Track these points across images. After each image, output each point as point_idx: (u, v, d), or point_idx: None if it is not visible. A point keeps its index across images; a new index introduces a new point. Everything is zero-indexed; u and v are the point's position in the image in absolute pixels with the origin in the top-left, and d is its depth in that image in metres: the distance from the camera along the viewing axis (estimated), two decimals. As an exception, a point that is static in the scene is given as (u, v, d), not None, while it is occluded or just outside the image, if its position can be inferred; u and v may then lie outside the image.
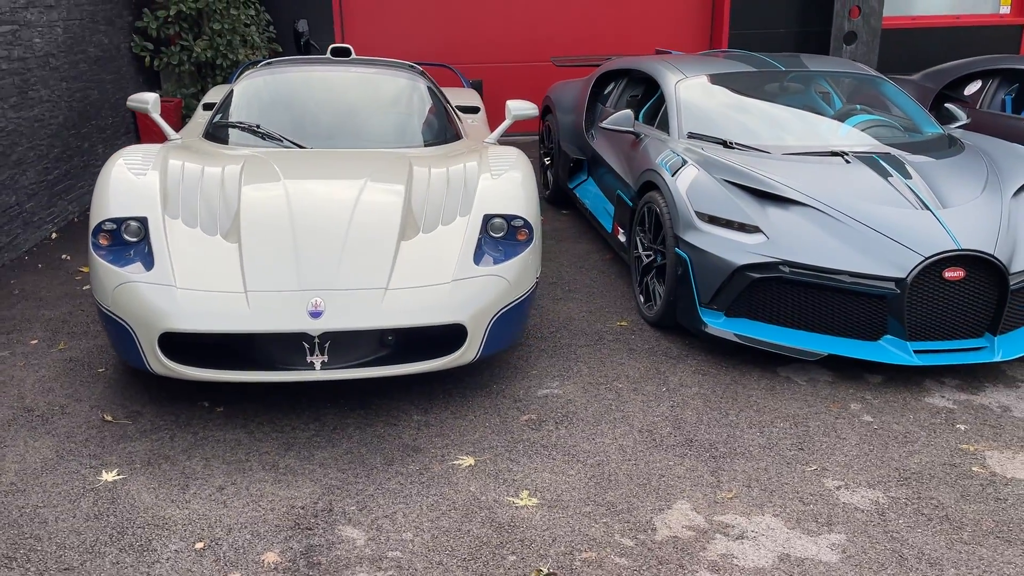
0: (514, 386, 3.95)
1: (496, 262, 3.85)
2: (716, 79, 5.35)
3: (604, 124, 5.33)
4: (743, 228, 4.09)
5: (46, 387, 3.90)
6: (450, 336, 3.66)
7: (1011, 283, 3.89)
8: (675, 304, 4.36)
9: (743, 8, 10.20)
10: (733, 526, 2.91)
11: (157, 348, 3.48)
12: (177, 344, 3.55)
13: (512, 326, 3.87)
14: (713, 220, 4.16)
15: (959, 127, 5.41)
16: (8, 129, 5.82)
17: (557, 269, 5.60)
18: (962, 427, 3.59)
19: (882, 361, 3.89)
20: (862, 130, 5.09)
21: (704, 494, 3.10)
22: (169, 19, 8.35)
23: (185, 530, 2.86)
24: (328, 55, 6.17)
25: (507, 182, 4.27)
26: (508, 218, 4.05)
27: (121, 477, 3.18)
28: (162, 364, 3.49)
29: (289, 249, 3.71)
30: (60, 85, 6.68)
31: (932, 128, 5.22)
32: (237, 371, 3.49)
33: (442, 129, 5.21)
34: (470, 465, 3.28)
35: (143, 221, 3.82)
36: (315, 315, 3.45)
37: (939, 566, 2.70)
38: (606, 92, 6.52)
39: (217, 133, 4.98)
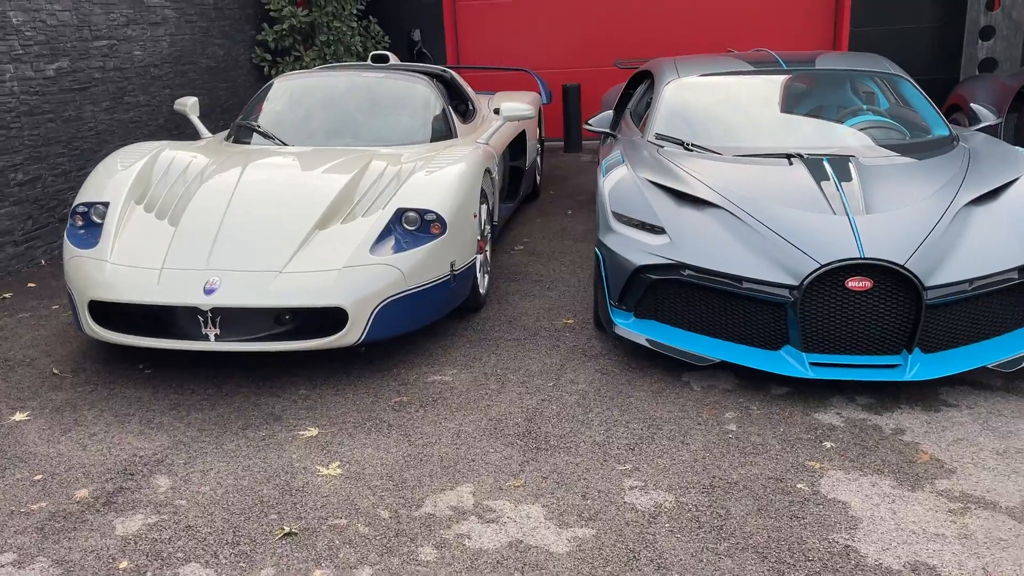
0: (411, 371, 4.16)
1: (394, 252, 4.08)
2: (708, 80, 5.24)
3: (585, 125, 5.38)
4: (650, 229, 4.04)
5: (34, 343, 4.61)
6: (336, 319, 3.93)
7: (926, 297, 3.57)
8: (598, 304, 4.38)
9: (866, 4, 9.60)
10: (494, 511, 2.97)
11: (87, 314, 4.04)
12: (110, 312, 4.08)
13: (405, 314, 4.08)
14: (625, 220, 4.15)
15: (981, 128, 4.94)
16: (98, 129, 6.77)
17: (553, 268, 5.70)
18: (828, 444, 3.37)
19: (776, 372, 3.71)
20: (860, 130, 4.81)
21: (495, 480, 3.17)
22: (284, 32, 9.21)
23: (38, 464, 3.36)
24: (369, 61, 6.63)
25: (436, 178, 4.48)
26: (421, 212, 4.26)
27: (27, 418, 3.75)
28: (91, 328, 4.05)
29: (212, 233, 4.16)
30: (163, 92, 7.63)
31: (940, 129, 4.82)
32: (146, 337, 3.97)
33: (432, 130, 5.47)
34: (311, 436, 3.55)
35: (107, 205, 4.41)
36: (209, 292, 3.86)
37: (666, 569, 2.64)
38: (633, 93, 6.50)
39: (235, 133, 5.57)
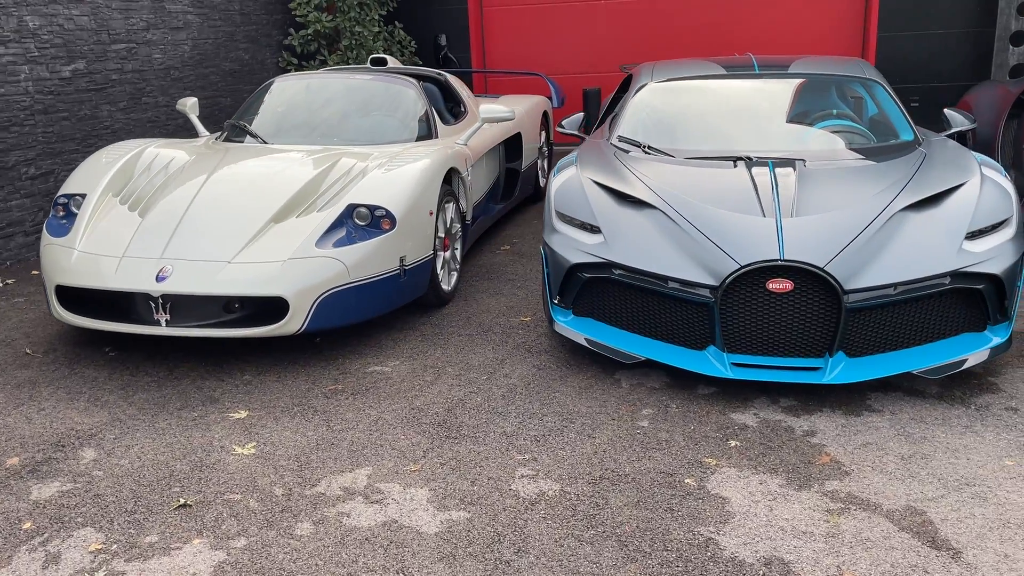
0: (355, 361, 4.30)
1: (339, 246, 4.24)
2: (679, 84, 5.26)
3: (558, 127, 5.46)
4: (588, 228, 4.11)
5: (19, 325, 4.91)
6: (280, 308, 4.11)
7: (847, 301, 3.56)
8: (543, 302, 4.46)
9: (894, 9, 9.42)
10: (382, 493, 3.09)
11: (55, 298, 4.31)
12: (76, 296, 4.33)
13: (348, 306, 4.23)
14: (567, 220, 4.22)
15: (952, 133, 4.87)
16: (115, 127, 7.12)
17: (532, 269, 5.80)
18: (733, 443, 3.39)
19: (699, 372, 3.74)
20: (824, 134, 4.79)
21: (395, 464, 3.29)
22: (310, 37, 9.51)
23: (-16, 435, 3.61)
24: (368, 64, 6.84)
25: (391, 176, 4.63)
26: (372, 208, 4.42)
27: (-12, 394, 4.03)
28: (57, 312, 4.31)
29: (174, 224, 4.38)
30: (183, 93, 7.97)
31: (906, 134, 4.76)
32: (104, 320, 4.21)
33: (411, 130, 5.62)
34: (239, 418, 3.72)
35: (84, 196, 4.69)
36: (161, 279, 4.08)
37: (525, 552, 2.71)
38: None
39: (227, 131, 5.82)
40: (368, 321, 4.71)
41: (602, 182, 4.28)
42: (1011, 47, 9.04)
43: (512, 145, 7.00)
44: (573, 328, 4.09)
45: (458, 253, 5.36)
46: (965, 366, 3.69)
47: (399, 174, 4.64)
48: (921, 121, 6.16)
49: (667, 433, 3.48)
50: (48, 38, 6.36)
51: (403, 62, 10.18)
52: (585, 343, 4.00)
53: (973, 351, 3.73)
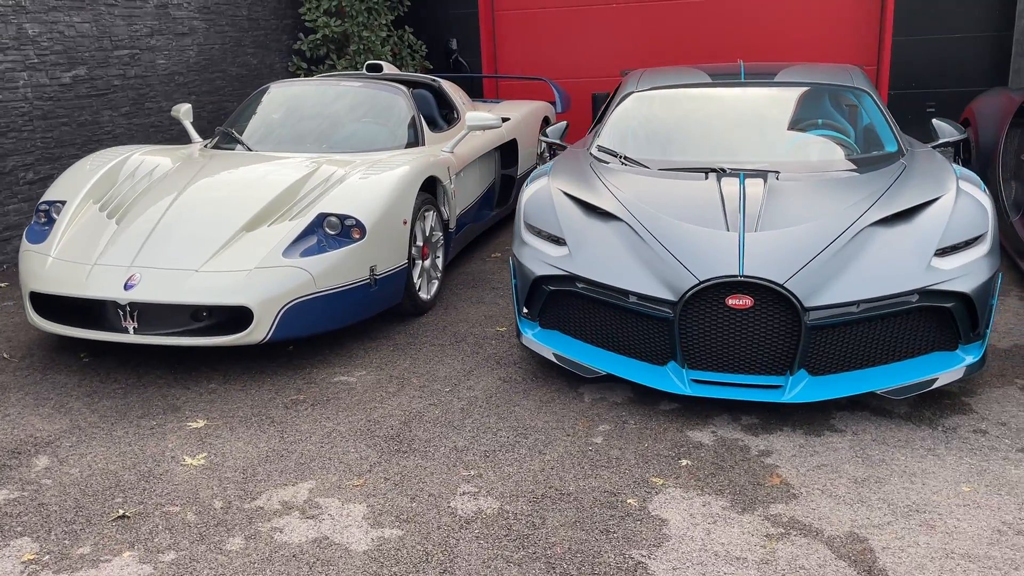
0: (322, 371, 4.30)
1: (306, 255, 4.24)
2: (664, 92, 5.19)
3: (541, 136, 5.42)
4: (554, 240, 4.07)
5: (3, 330, 4.98)
6: (245, 317, 4.12)
7: (807, 319, 3.48)
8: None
9: (909, 13, 9.23)
10: (319, 507, 3.07)
11: (29, 304, 4.36)
12: (51, 303, 4.38)
13: (315, 315, 4.23)
14: (535, 231, 4.18)
15: (939, 145, 4.75)
16: (116, 133, 7.21)
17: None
18: (685, 462, 3.33)
19: (658, 388, 3.68)
20: (805, 145, 4.70)
21: (339, 479, 3.27)
22: (318, 42, 9.56)
23: (-55, 441, 3.66)
24: (365, 70, 6.85)
25: (363, 185, 4.63)
26: (342, 217, 4.41)
27: (-42, 399, 4.09)
28: (32, 318, 4.37)
29: (147, 232, 4.41)
30: (188, 99, 8.05)
31: (890, 145, 4.65)
32: (75, 327, 4.25)
33: (397, 137, 5.61)
34: (196, 427, 3.74)
35: (63, 203, 4.74)
36: (129, 287, 4.11)
37: (451, 573, 2.69)
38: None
39: (217, 138, 5.86)
40: (341, 329, 4.71)
41: (572, 193, 4.24)
42: (1029, 52, 8.80)
43: (510, 151, 6.96)
44: (539, 341, 4.05)
45: (439, 262, 5.34)
46: (936, 385, 3.59)
47: (372, 183, 4.64)
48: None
49: (619, 451, 3.43)
50: (48, 45, 6.45)
51: (413, 66, 10.20)
52: (553, 359, 3.95)
53: (944, 370, 3.63)
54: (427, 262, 5.14)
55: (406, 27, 10.31)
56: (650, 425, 3.63)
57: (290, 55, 9.72)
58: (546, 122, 7.94)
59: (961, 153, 6.65)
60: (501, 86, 10.77)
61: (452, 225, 5.52)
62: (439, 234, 5.30)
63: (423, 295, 5.07)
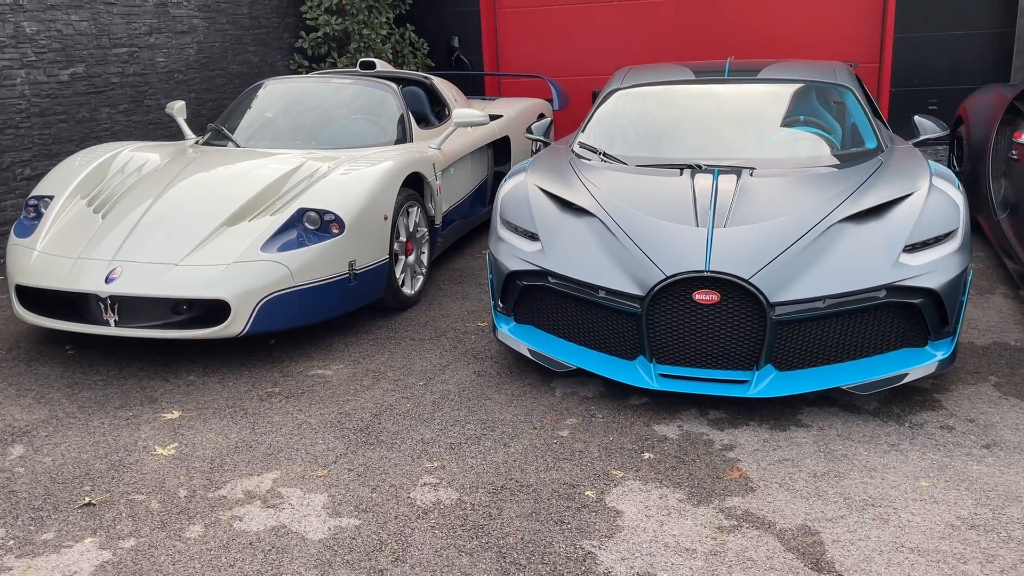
0: (300, 364, 4.35)
1: (284, 250, 4.29)
2: (648, 90, 5.20)
3: (526, 133, 5.45)
4: (528, 235, 4.10)
5: (-7, 324, 5.08)
6: (223, 311, 4.17)
7: (772, 314, 3.49)
8: (493, 309, 4.46)
9: (911, 9, 9.18)
10: (281, 497, 3.12)
11: (15, 297, 4.44)
12: (36, 296, 4.45)
13: (293, 309, 4.28)
14: (511, 227, 4.21)
15: (920, 142, 4.75)
16: (115, 130, 7.30)
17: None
18: (648, 455, 3.35)
19: (627, 383, 3.70)
20: (785, 142, 4.70)
21: (304, 469, 3.32)
22: (320, 40, 9.63)
23: (-75, 429, 3.74)
24: (358, 68, 6.91)
25: (344, 180, 4.68)
26: (321, 212, 4.46)
27: (-58, 389, 4.17)
28: (17, 311, 4.45)
29: (131, 226, 4.48)
30: (187, 96, 8.14)
31: (870, 141, 4.65)
32: (59, 320, 4.32)
33: (384, 134, 5.65)
34: (171, 418, 3.79)
35: (51, 198, 4.82)
36: (110, 281, 4.17)
37: (402, 562, 2.71)
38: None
39: (211, 134, 5.93)
40: (323, 323, 4.77)
41: (548, 189, 4.27)
42: (1031, 49, 8.73)
43: (504, 148, 7.00)
44: (514, 335, 4.08)
45: (424, 257, 5.38)
46: (905, 381, 3.59)
47: (352, 179, 4.68)
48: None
49: (584, 444, 3.45)
50: (46, 43, 6.55)
51: (415, 64, 10.25)
52: (528, 354, 3.98)
53: (913, 366, 3.62)
54: (411, 258, 5.18)
55: (407, 25, 10.36)
56: (617, 419, 3.65)
57: (292, 53, 9.79)
58: (541, 119, 7.95)
59: (955, 151, 6.62)
60: (504, 84, 10.80)
61: (438, 221, 5.56)
62: (424, 230, 5.33)
63: (407, 290, 5.11)
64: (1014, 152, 5.06)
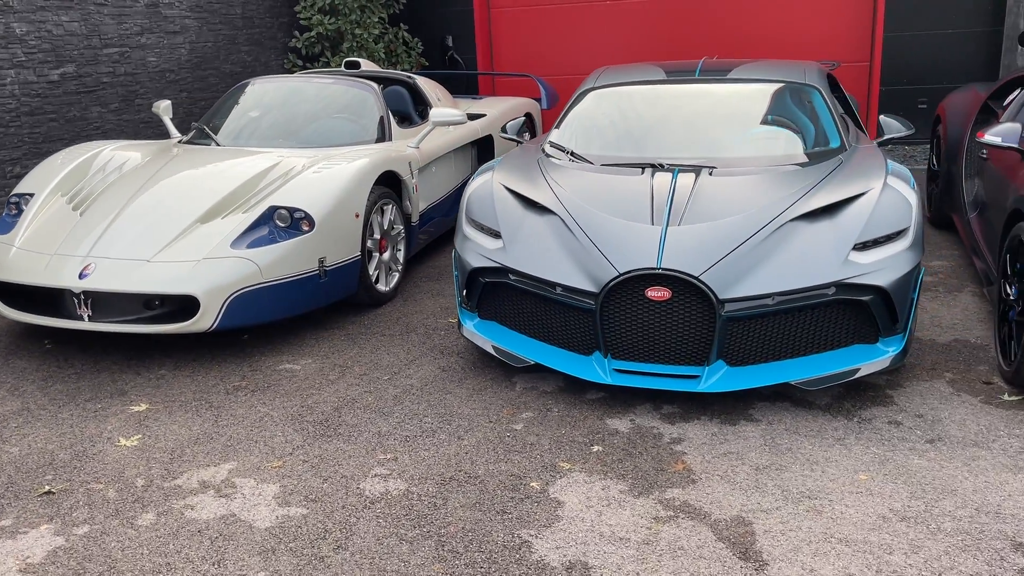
0: (270, 358, 4.44)
1: (254, 247, 4.38)
2: (619, 89, 5.26)
3: (501, 133, 5.52)
4: (492, 233, 4.17)
5: (-23, 319, 5.19)
6: (194, 306, 4.27)
7: (722, 311, 3.56)
8: (459, 305, 4.53)
9: (900, 9, 9.21)
10: (234, 487, 3.21)
11: (-7, 293, 4.55)
12: (14, 291, 4.56)
13: (262, 305, 4.37)
14: (475, 224, 4.29)
15: (885, 140, 4.80)
16: (105, 128, 7.42)
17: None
18: (597, 448, 3.42)
19: (582, 377, 3.77)
20: (753, 140, 4.76)
21: (260, 460, 3.40)
22: (313, 40, 9.73)
23: (-100, 420, 3.85)
24: (343, 67, 7.00)
25: (316, 178, 4.76)
26: (291, 210, 4.55)
27: (-80, 382, 4.28)
28: (-4, 306, 4.56)
29: (107, 223, 4.58)
30: (179, 95, 8.25)
31: (834, 141, 4.70)
32: (34, 314, 4.43)
33: (364, 133, 5.73)
34: (138, 411, 3.89)
35: (32, 196, 4.93)
36: (83, 276, 4.27)
37: (343, 549, 2.80)
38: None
39: (195, 133, 6.03)
40: (297, 319, 4.86)
41: (513, 187, 4.34)
42: (1020, 47, 8.75)
43: (484, 148, 7.07)
44: (478, 332, 4.16)
45: (400, 255, 5.46)
46: (858, 376, 3.65)
47: (324, 177, 4.77)
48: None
49: (536, 436, 3.53)
50: (35, 43, 6.66)
51: (409, 63, 10.33)
52: (492, 351, 4.05)
53: (864, 362, 3.68)
54: (386, 255, 5.26)
55: (401, 24, 10.45)
56: (572, 413, 3.72)
57: (286, 52, 9.89)
58: (529, 119, 8.02)
59: (934, 150, 6.65)
60: (498, 83, 10.87)
61: (415, 219, 5.64)
62: (400, 228, 5.41)
63: (381, 287, 5.19)
64: (983, 152, 5.10)
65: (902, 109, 9.43)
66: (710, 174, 4.20)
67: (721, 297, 3.54)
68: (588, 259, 3.77)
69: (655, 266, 3.61)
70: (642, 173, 4.30)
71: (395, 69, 9.90)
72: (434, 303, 5.25)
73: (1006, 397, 3.72)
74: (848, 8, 9.40)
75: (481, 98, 8.05)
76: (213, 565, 2.74)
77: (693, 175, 4.16)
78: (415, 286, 5.61)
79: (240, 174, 4.92)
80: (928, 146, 8.26)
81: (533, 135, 8.16)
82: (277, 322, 4.64)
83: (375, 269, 5.12)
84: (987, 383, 3.87)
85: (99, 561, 2.77)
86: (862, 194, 3.93)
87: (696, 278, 3.55)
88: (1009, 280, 3.93)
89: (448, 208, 6.42)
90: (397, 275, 5.41)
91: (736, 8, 9.68)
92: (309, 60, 10.04)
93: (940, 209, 6.27)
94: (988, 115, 5.79)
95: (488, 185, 4.44)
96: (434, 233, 6.18)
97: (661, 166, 4.36)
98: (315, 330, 4.82)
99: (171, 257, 4.31)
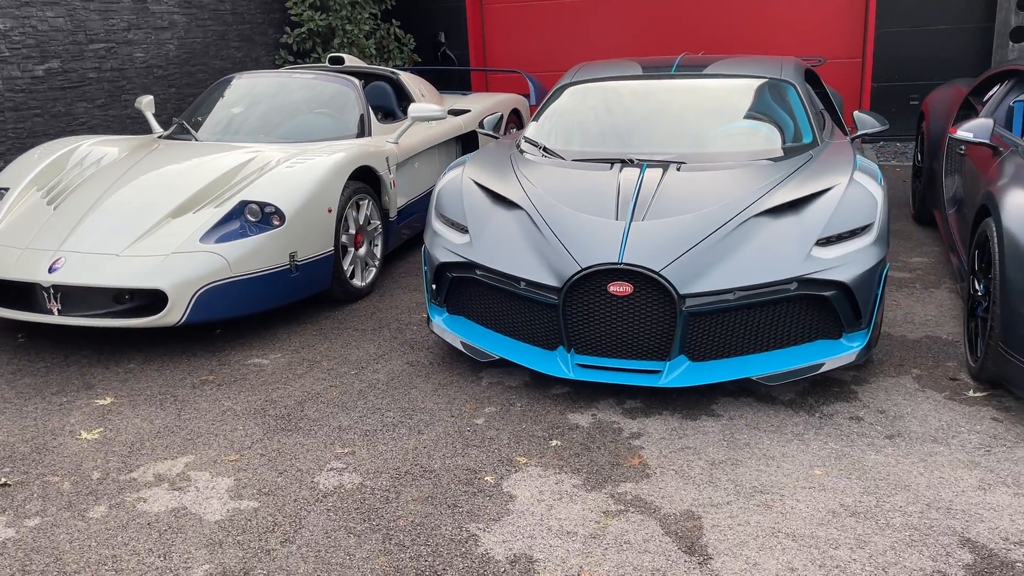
0: (239, 353, 4.45)
1: (223, 241, 4.39)
2: (595, 85, 5.25)
3: (478, 128, 5.52)
4: (459, 228, 4.17)
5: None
6: (162, 300, 4.27)
7: (683, 306, 3.55)
8: (429, 300, 4.53)
9: (892, 4, 9.16)
10: (189, 480, 3.21)
11: (-35, 287, 4.57)
12: (-12, 285, 4.58)
13: (232, 299, 4.37)
14: (444, 220, 4.29)
15: (857, 136, 4.78)
16: (91, 124, 7.44)
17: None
18: (555, 443, 3.42)
19: (546, 372, 3.77)
20: (725, 136, 4.74)
21: (218, 454, 3.41)
22: (304, 36, 9.74)
23: None
24: (327, 63, 7.00)
25: (288, 173, 4.77)
26: (262, 205, 4.56)
27: None
28: (-33, 300, 4.57)
29: (79, 217, 4.59)
30: (167, 91, 8.27)
31: (807, 136, 4.68)
32: (5, 308, 4.44)
33: (342, 128, 5.73)
34: (103, 404, 3.90)
35: (7, 190, 4.95)
36: (52, 270, 4.29)
37: (291, 542, 2.80)
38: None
39: (175, 127, 6.04)
40: (270, 313, 4.86)
41: (482, 183, 4.33)
42: (1011, 43, 8.71)
43: (468, 143, 7.07)
44: (446, 327, 4.16)
45: (377, 250, 5.46)
46: (822, 371, 3.64)
47: (297, 171, 4.77)
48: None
49: (496, 431, 3.53)
50: (19, 39, 6.68)
51: (401, 59, 10.33)
52: (460, 347, 4.04)
53: (827, 357, 3.67)
54: (362, 250, 5.26)
55: (393, 20, 10.45)
56: (535, 408, 3.72)
57: (277, 49, 9.90)
58: (517, 114, 8.02)
59: (919, 147, 6.62)
60: (492, 79, 10.87)
61: (392, 214, 5.63)
62: (377, 223, 5.41)
63: (357, 282, 5.19)
64: (961, 148, 5.08)
65: (894, 105, 9.40)
66: (678, 169, 4.19)
67: (682, 292, 3.53)
68: (552, 254, 3.77)
69: (616, 261, 3.60)
70: (611, 168, 4.28)
71: (387, 65, 9.91)
72: (409, 298, 5.25)
73: (971, 393, 3.70)
74: (840, 5, 9.36)
75: (467, 94, 8.04)
76: (159, 558, 2.74)
77: (660, 171, 4.14)
78: (393, 281, 5.61)
79: (215, 169, 4.93)
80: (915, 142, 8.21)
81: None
82: (249, 316, 4.65)
83: (350, 264, 5.12)
84: (953, 379, 3.85)
85: (46, 553, 2.78)
86: (828, 189, 3.91)
87: (657, 273, 3.54)
88: (977, 276, 3.91)
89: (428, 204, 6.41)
90: (374, 270, 5.41)
91: (729, 5, 9.65)
92: (300, 56, 10.04)
93: (923, 205, 6.24)
94: (969, 111, 5.76)
95: (458, 180, 4.43)
96: (416, 228, 6.18)
97: (631, 161, 4.35)
98: (288, 325, 4.82)
99: (140, 251, 4.32)
